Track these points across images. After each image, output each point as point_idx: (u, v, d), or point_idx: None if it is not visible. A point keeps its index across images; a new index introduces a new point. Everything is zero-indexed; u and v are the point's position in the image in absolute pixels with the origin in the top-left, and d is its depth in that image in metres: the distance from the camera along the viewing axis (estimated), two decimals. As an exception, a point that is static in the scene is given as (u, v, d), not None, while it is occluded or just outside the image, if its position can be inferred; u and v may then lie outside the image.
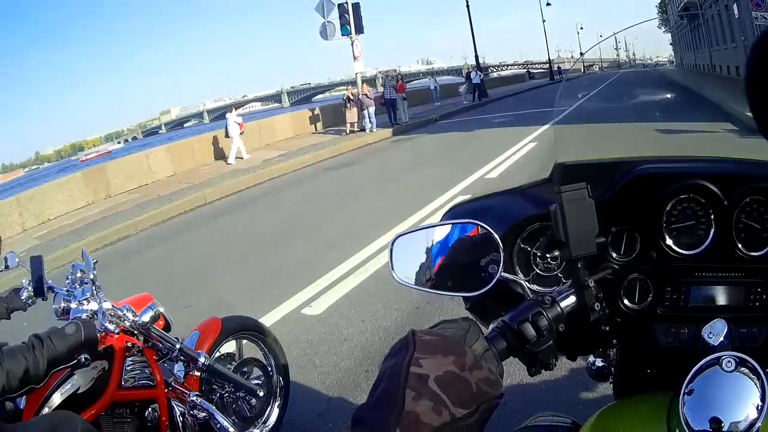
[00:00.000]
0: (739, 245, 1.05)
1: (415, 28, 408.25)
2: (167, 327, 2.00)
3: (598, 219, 0.91)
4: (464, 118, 19.97)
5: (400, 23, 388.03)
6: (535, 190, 1.22)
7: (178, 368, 1.93)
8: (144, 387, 1.86)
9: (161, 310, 1.94)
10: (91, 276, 1.78)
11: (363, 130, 18.07)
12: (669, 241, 1.06)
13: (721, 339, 0.79)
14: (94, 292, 1.72)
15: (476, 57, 33.03)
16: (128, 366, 1.85)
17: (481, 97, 26.67)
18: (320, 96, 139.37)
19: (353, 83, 22.82)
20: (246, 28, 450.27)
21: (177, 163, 15.18)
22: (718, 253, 1.06)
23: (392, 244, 0.98)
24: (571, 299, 0.92)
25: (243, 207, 10.37)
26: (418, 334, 0.66)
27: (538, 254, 1.13)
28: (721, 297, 1.06)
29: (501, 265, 0.93)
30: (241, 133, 15.80)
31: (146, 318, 1.82)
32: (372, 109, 17.92)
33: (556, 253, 1.08)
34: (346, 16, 19.42)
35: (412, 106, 23.48)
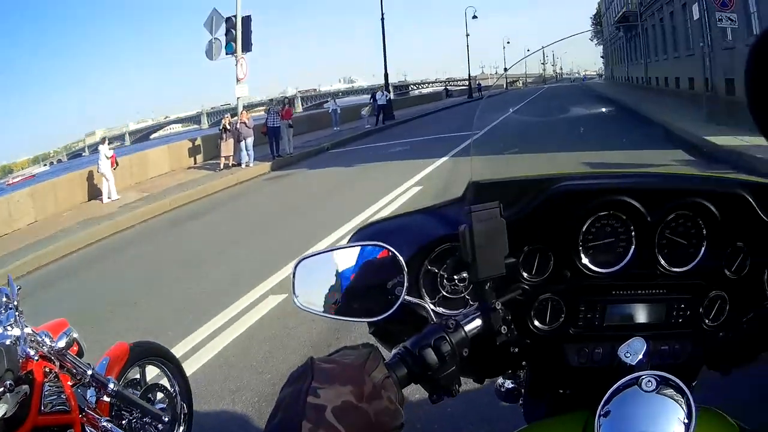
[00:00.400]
0: (662, 261, 1.06)
1: (337, 44, 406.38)
2: (81, 353, 2.02)
3: (510, 238, 0.94)
4: (359, 147, 18.71)
5: (322, 40, 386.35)
6: (446, 210, 1.18)
7: (91, 393, 1.95)
8: (61, 412, 1.87)
9: (75, 335, 2.00)
10: (15, 302, 1.82)
11: (240, 164, 16.16)
12: (585, 260, 1.06)
13: (640, 357, 0.79)
14: (17, 317, 1.75)
15: (386, 75, 30.23)
16: (47, 391, 1.84)
17: (385, 120, 25.44)
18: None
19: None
20: (167, 48, 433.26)
21: (40, 208, 12.93)
22: (638, 270, 1.06)
23: (295, 268, 0.96)
24: (477, 322, 0.90)
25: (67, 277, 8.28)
26: (316, 362, 0.66)
27: (446, 276, 1.09)
28: (640, 315, 1.07)
29: (405, 287, 0.91)
30: (114, 168, 14.01)
31: (62, 344, 1.87)
32: (250, 140, 16.02)
33: (464, 275, 1.06)
34: (233, 31, 17.61)
35: (311, 131, 22.95)
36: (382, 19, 29.28)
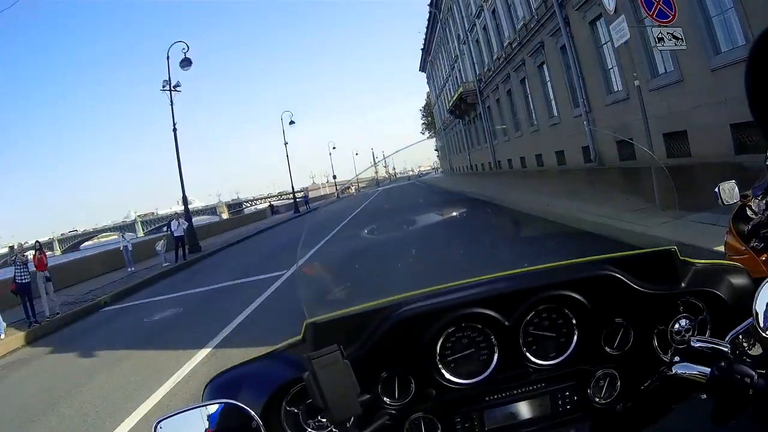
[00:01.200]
0: (532, 359, 1.08)
1: (173, 165, 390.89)
2: None
3: (363, 368, 0.98)
4: (144, 300, 13.55)
5: (159, 160, 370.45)
6: (290, 352, 1.17)
7: None
8: None
9: None
10: None
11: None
12: (447, 375, 1.06)
13: None
14: None
15: (184, 199, 23.89)
16: None
17: (190, 253, 20.86)
18: (174, 222, 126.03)
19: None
20: (89, 157, 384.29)
21: None
22: (508, 372, 1.07)
23: (154, 429, 0.93)
24: None
25: None
26: None
27: (308, 416, 1.08)
28: (524, 412, 1.08)
29: None
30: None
31: None
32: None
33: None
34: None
35: (104, 273, 19.85)
36: (174, 130, 23.16)
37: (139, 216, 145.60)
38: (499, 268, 1.30)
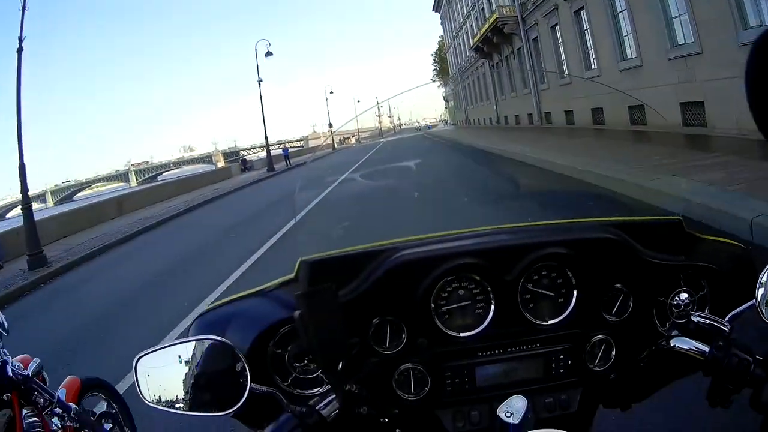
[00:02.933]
0: (529, 317, 1.05)
1: (176, 113, 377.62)
2: (45, 382, 2.13)
3: (355, 313, 0.98)
4: None
5: (158, 109, 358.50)
6: (281, 291, 1.14)
7: (56, 418, 2.06)
8: None
9: (41, 367, 2.08)
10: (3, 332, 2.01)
11: None
12: (441, 326, 1.04)
13: (523, 415, 0.78)
14: (1, 349, 1.90)
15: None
16: (24, 415, 2.00)
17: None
18: (170, 173, 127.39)
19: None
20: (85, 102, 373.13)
21: None
22: (504, 328, 1.05)
23: (135, 365, 0.92)
24: (334, 405, 0.90)
25: None
26: None
27: (294, 360, 1.05)
28: (517, 372, 1.05)
29: (248, 378, 0.89)
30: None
31: (32, 373, 2.00)
32: None
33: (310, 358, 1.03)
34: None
35: None
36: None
37: (132, 165, 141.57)
38: (503, 221, 1.30)
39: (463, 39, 45.21)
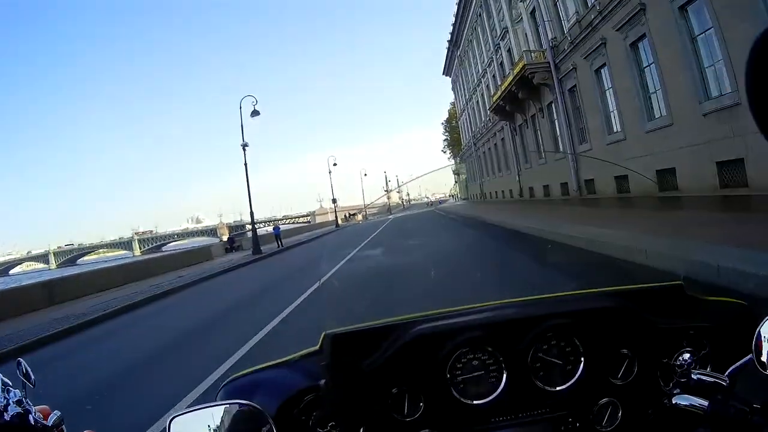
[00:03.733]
0: (539, 384, 1.11)
1: (186, 183, 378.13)
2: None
3: (376, 383, 1.05)
4: None
5: (168, 179, 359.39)
6: (306, 362, 1.21)
7: None
8: None
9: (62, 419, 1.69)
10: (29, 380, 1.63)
11: None
12: (456, 395, 1.09)
13: None
14: (24, 396, 1.55)
15: None
16: None
17: None
18: (174, 243, 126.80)
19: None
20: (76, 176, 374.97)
21: None
22: (515, 395, 1.10)
23: (169, 425, 0.94)
24: None
25: None
26: None
27: (318, 425, 1.10)
28: None
29: None
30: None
31: (53, 425, 1.65)
32: None
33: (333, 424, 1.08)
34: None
35: None
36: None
37: (137, 234, 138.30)
38: (512, 296, 1.37)
39: (477, 102, 40.45)
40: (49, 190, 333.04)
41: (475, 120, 43.61)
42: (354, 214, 76.51)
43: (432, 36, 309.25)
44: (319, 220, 79.50)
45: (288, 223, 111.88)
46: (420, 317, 1.20)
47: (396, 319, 1.22)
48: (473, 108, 43.44)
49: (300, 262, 17.56)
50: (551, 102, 21.79)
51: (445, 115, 67.86)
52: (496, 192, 38.16)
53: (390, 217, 25.11)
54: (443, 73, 57.50)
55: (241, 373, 1.24)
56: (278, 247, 28.66)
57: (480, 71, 37.26)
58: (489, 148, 38.84)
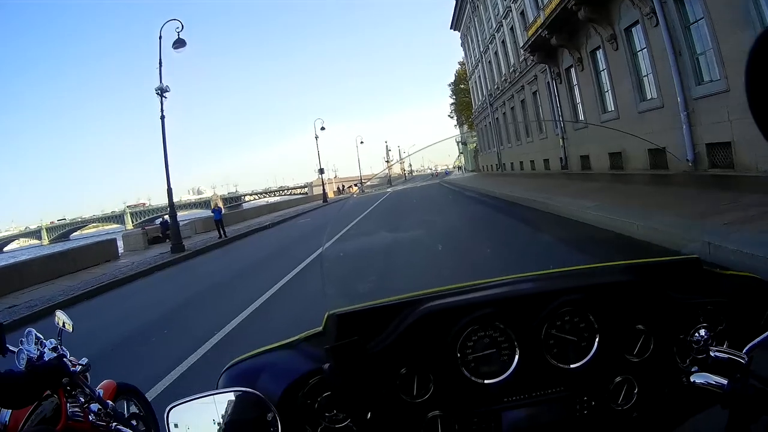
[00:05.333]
0: (552, 361, 1.08)
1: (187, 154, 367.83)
2: (87, 379, 2.34)
3: (383, 363, 1.02)
4: None
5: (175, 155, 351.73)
6: (309, 343, 1.18)
7: (94, 412, 2.27)
8: (78, 421, 2.25)
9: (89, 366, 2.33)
10: (67, 330, 2.36)
11: None
12: (467, 374, 1.06)
13: None
14: (59, 344, 2.26)
15: None
16: (68, 404, 2.24)
17: None
18: (168, 217, 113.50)
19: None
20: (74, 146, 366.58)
21: None
22: (528, 374, 1.07)
23: (167, 415, 0.95)
24: None
25: None
26: None
27: (324, 410, 1.06)
28: (542, 415, 1.07)
29: (279, 428, 0.95)
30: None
31: (78, 369, 2.24)
32: None
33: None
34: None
35: None
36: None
37: (128, 207, 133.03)
38: (525, 269, 1.31)
39: (497, 52, 32.21)
40: (40, 162, 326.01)
41: (492, 76, 35.41)
42: (349, 187, 69.38)
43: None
44: (316, 191, 72.44)
45: (285, 195, 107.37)
46: (428, 294, 1.18)
47: (403, 297, 1.18)
48: (489, 61, 35.25)
49: (226, 275, 11.71)
50: (636, 22, 13.94)
51: (451, 78, 59.28)
52: (521, 162, 30.07)
53: (388, 190, 21.92)
54: (451, 27, 48.97)
55: (242, 357, 1.19)
56: (219, 236, 20.89)
57: (502, 11, 28.97)
58: (512, 107, 30.66)
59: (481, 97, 41.54)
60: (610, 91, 16.52)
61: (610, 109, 16.83)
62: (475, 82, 43.58)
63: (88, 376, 2.36)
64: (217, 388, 1.03)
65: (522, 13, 24.61)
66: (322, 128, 41.37)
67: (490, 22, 32.56)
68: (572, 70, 19.63)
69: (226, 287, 9.82)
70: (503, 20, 28.93)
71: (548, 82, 22.44)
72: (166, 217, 20.75)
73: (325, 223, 20.45)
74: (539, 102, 25.02)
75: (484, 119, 41.74)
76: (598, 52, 16.90)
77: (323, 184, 45.21)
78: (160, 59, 18.07)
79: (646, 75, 14.41)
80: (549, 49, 20.21)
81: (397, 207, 17.82)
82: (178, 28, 18.13)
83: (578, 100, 19.62)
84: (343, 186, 71.56)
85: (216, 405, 0.95)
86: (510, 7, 26.75)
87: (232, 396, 0.96)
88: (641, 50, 14.32)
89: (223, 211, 22.28)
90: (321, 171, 42.32)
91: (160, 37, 18.23)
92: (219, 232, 21.20)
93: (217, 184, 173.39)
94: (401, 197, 20.02)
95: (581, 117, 19.58)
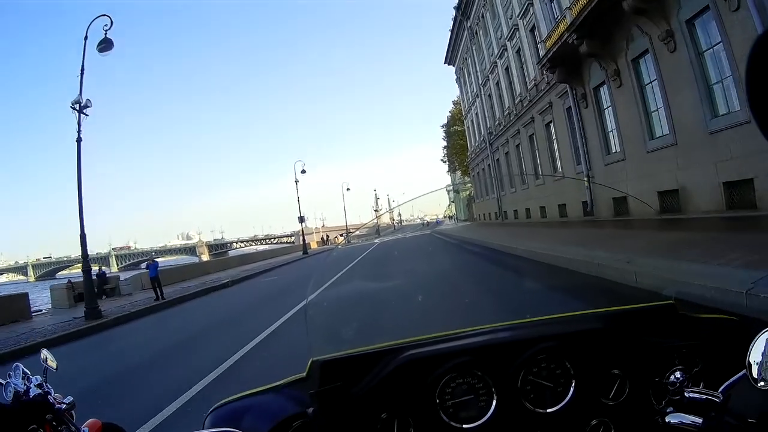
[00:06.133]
0: (529, 406, 1.11)
1: (159, 200, 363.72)
2: (72, 417, 1.99)
3: (365, 408, 1.07)
4: None
5: (163, 198, 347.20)
6: (293, 388, 1.22)
7: None
8: None
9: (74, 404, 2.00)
10: (52, 367, 2.01)
11: None
12: (446, 419, 1.09)
13: None
14: (44, 381, 1.91)
15: None
16: None
17: None
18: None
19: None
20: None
21: None
22: (505, 419, 1.10)
23: None
24: None
25: None
26: None
27: None
28: None
29: None
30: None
31: (66, 408, 1.95)
32: None
33: None
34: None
35: None
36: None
37: (114, 249, 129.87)
38: (502, 318, 1.35)
39: (498, 83, 28.60)
40: (27, 198, 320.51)
41: (492, 111, 31.74)
42: (335, 237, 65.62)
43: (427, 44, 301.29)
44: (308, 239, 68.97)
45: (272, 243, 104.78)
46: (409, 342, 1.22)
47: (385, 344, 1.23)
48: (489, 95, 31.64)
49: (131, 362, 8.02)
50: (705, 9, 10.08)
51: (445, 120, 55.95)
52: (526, 209, 25.87)
53: (376, 241, 17.79)
54: (445, 62, 45.74)
55: (228, 399, 1.23)
56: (156, 298, 16.32)
57: (507, 31, 25.33)
58: (518, 144, 26.59)
59: (478, 137, 37.87)
60: (662, 109, 12.48)
61: (661, 133, 12.79)
62: (472, 121, 40.02)
63: (74, 414, 2.06)
64: (203, 428, 1.08)
65: (533, 29, 21.06)
66: (303, 171, 37.66)
67: (491, 48, 29.06)
68: (603, 89, 15.70)
69: (119, 386, 6.37)
70: (507, 42, 25.34)
71: (568, 108, 18.44)
72: (104, 268, 16.40)
73: (293, 281, 17.19)
74: (554, 134, 21.03)
75: (481, 162, 37.93)
76: (644, 58, 12.99)
77: (303, 234, 40.83)
78: (83, 66, 13.99)
79: (719, 81, 10.46)
80: (574, 61, 16.29)
81: (384, 262, 13.53)
82: (106, 25, 14.13)
83: (611, 126, 15.62)
84: (327, 236, 67.66)
85: None
86: (517, 24, 23.11)
87: None
88: (713, 47, 10.40)
89: (159, 267, 17.76)
90: (301, 219, 38.04)
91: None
92: (156, 293, 16.59)
93: (204, 230, 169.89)
94: (389, 250, 16.42)
95: (615, 148, 15.54)
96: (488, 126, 33.22)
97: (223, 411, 1.19)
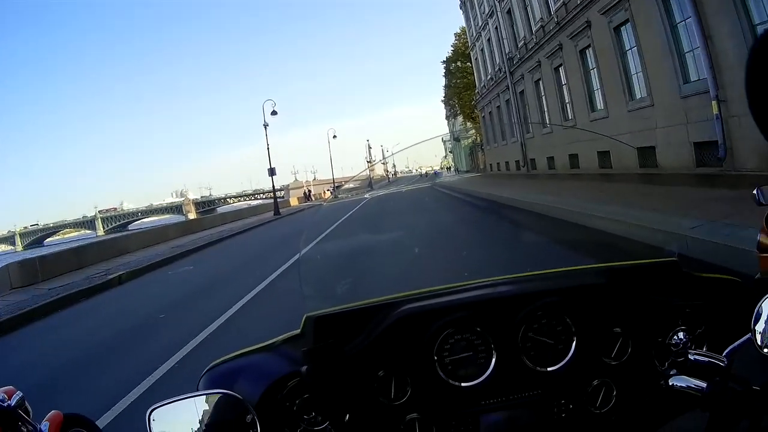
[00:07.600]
0: (529, 364, 1.08)
1: (144, 158, 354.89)
2: (28, 414, 2.18)
3: (360, 367, 1.02)
4: None
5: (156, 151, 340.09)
6: (288, 345, 1.17)
7: None
8: None
9: (24, 399, 2.12)
10: None
11: None
12: (444, 377, 1.06)
13: None
14: None
15: None
16: None
17: None
18: (139, 222, 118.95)
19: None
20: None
21: None
22: (505, 377, 1.07)
23: (148, 416, 0.93)
24: None
25: None
26: None
27: (302, 412, 1.07)
28: (519, 417, 1.06)
29: (258, 429, 0.93)
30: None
31: (15, 404, 2.04)
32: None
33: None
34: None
35: None
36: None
37: (100, 212, 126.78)
38: (502, 272, 1.29)
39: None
40: (11, 164, 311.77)
41: (512, 31, 25.10)
42: (323, 192, 58.58)
43: None
44: (293, 194, 64.51)
45: (260, 199, 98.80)
46: (406, 297, 1.18)
47: (381, 299, 1.19)
48: (508, 11, 25.05)
49: None
50: None
51: (445, 57, 48.37)
52: (568, 157, 19.41)
53: (366, 196, 12.29)
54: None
55: (221, 359, 1.19)
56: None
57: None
58: (557, 67, 19.97)
59: (490, 70, 31.23)
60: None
61: None
62: (482, 49, 33.23)
63: (29, 409, 2.23)
64: (197, 390, 1.03)
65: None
66: (274, 112, 30.51)
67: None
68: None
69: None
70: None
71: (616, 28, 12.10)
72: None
73: (239, 263, 13.21)
74: (591, 63, 15.54)
75: (494, 99, 31.36)
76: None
77: (273, 190, 33.94)
78: None
79: None
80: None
81: (373, 226, 9.29)
82: None
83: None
84: (310, 191, 59.29)
85: (196, 406, 0.94)
86: None
87: (212, 398, 0.96)
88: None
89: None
90: (272, 171, 30.78)
91: None
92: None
93: (194, 188, 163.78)
94: (383, 207, 12.98)
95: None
96: (507, 51, 26.42)
97: (217, 372, 1.14)
